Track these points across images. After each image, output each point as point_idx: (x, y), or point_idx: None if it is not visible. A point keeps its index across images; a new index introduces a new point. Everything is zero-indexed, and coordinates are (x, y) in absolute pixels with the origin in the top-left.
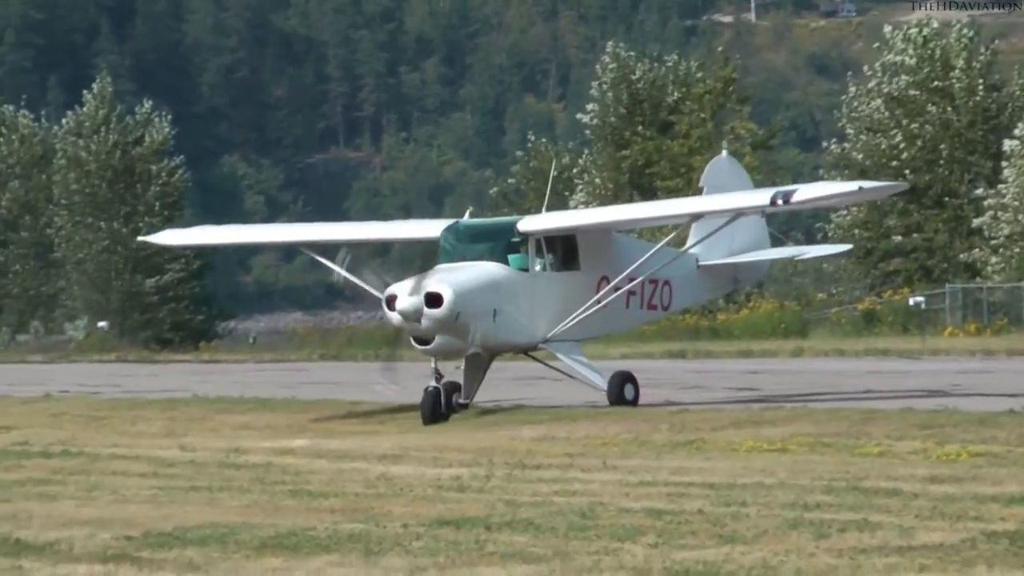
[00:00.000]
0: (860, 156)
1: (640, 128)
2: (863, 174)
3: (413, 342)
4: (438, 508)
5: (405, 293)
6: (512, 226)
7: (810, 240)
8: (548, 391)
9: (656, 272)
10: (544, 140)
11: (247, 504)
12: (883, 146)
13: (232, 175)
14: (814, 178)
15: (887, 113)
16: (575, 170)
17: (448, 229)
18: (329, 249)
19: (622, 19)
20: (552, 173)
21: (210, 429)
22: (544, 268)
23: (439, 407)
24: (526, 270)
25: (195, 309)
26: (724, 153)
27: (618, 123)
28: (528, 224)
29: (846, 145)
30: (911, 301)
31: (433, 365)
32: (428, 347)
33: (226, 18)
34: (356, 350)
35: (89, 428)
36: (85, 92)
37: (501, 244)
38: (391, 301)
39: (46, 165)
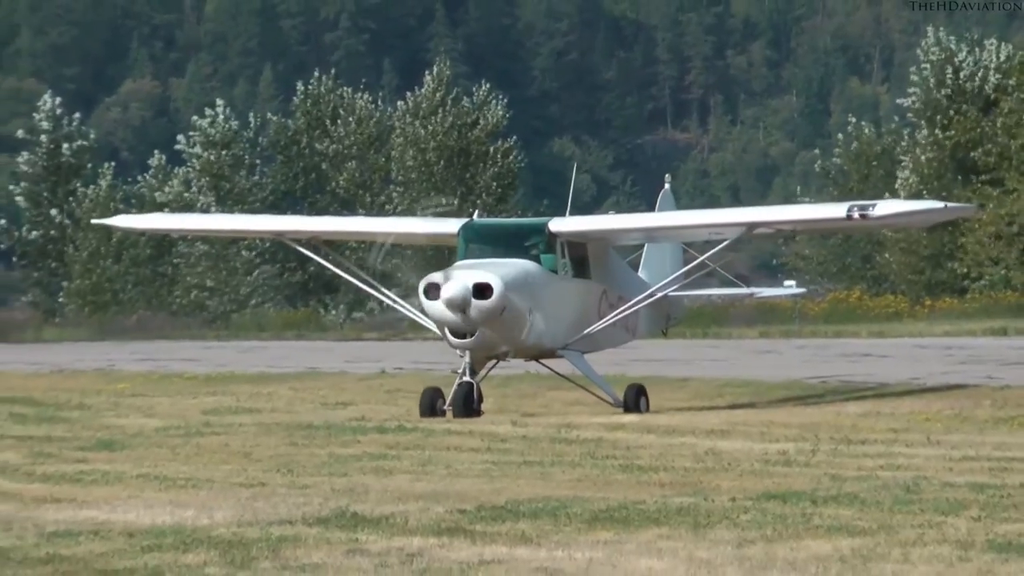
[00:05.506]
0: None
1: (963, 107)
2: None
3: (449, 336)
4: (765, 482)
5: (448, 281)
6: (543, 226)
7: None
8: (873, 368)
9: (631, 295)
10: (864, 123)
11: (578, 478)
12: None
13: (562, 156)
14: None
15: None
16: (896, 152)
17: (469, 227)
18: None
19: (944, 3)
20: (572, 177)
21: (541, 405)
22: (567, 272)
23: (471, 402)
24: (555, 272)
25: None
26: (667, 186)
27: (940, 105)
28: (558, 225)
29: None
30: None
31: (467, 360)
32: (468, 341)
33: (557, 3)
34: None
35: None
36: (426, 74)
37: (533, 243)
38: (432, 290)
39: (381, 146)
